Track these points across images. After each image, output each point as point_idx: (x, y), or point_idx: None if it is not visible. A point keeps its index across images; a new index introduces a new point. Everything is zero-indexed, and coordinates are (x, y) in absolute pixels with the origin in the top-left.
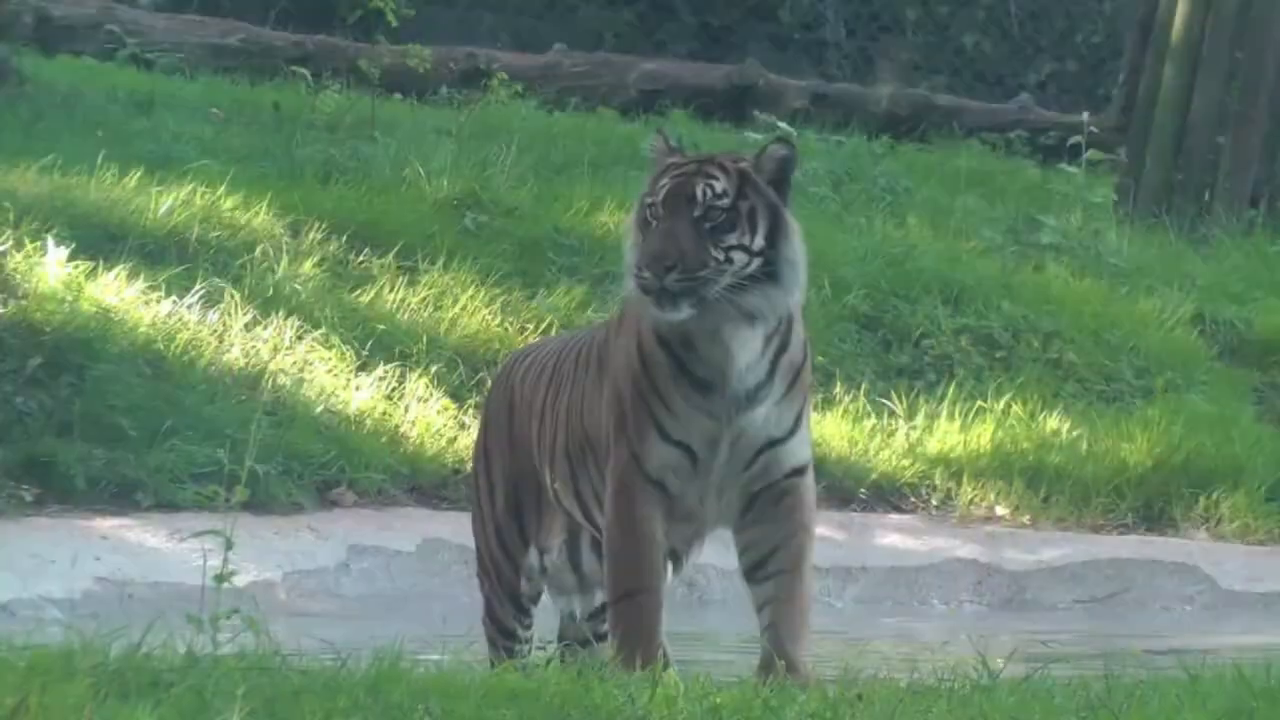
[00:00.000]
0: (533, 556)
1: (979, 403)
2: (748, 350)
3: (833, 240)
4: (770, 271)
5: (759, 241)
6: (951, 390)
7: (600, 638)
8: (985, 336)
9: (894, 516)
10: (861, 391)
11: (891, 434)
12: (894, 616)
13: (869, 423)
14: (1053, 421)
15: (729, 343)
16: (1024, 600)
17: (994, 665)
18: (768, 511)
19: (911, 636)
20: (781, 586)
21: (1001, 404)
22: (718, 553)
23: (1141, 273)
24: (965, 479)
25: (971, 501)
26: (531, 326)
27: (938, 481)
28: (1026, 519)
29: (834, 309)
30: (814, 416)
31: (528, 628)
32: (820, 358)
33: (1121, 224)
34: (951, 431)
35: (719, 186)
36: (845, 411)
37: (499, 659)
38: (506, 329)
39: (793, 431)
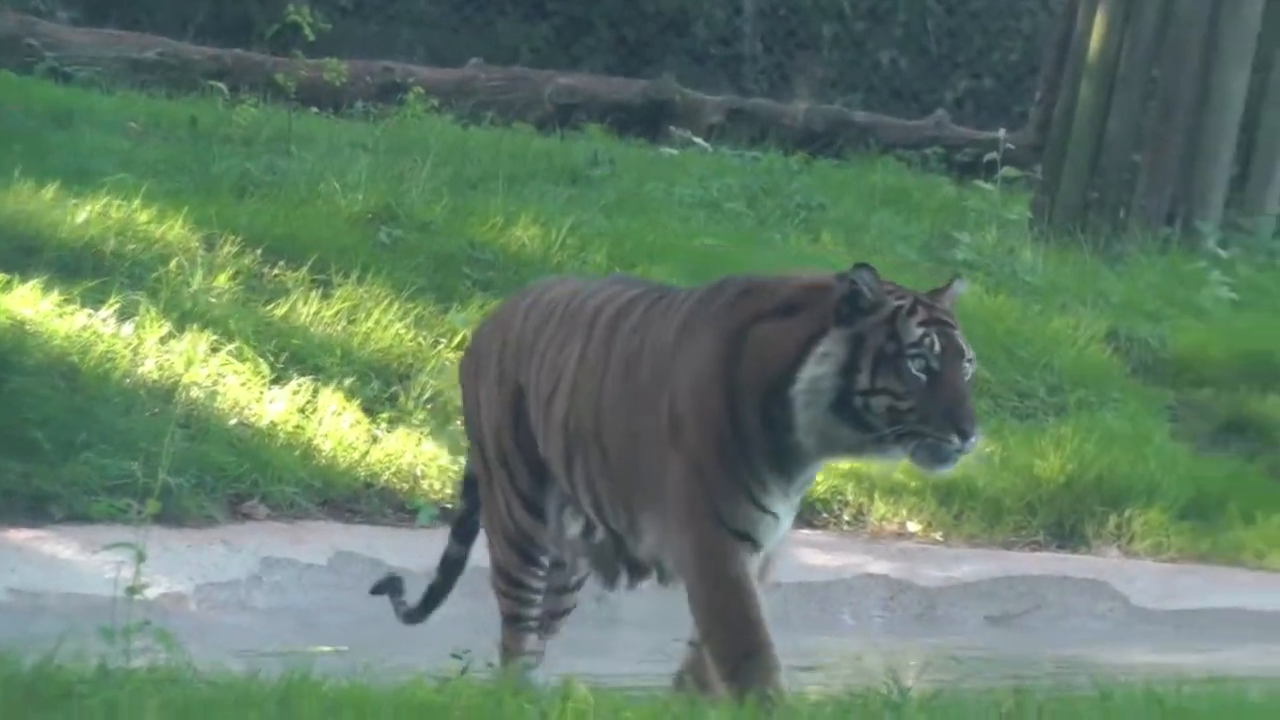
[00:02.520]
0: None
1: None
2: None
3: (747, 256)
4: None
5: None
6: None
7: (556, 615)
8: None
9: (805, 532)
10: None
11: None
12: (805, 632)
13: None
14: None
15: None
16: (935, 617)
17: (904, 681)
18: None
19: (823, 653)
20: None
21: None
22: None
23: (1056, 290)
24: (877, 495)
25: (883, 518)
26: (445, 340)
27: (850, 497)
28: (939, 535)
29: None
30: None
31: (538, 577)
32: None
33: (1036, 241)
34: None
35: (966, 342)
36: None
37: (506, 608)
38: (420, 343)
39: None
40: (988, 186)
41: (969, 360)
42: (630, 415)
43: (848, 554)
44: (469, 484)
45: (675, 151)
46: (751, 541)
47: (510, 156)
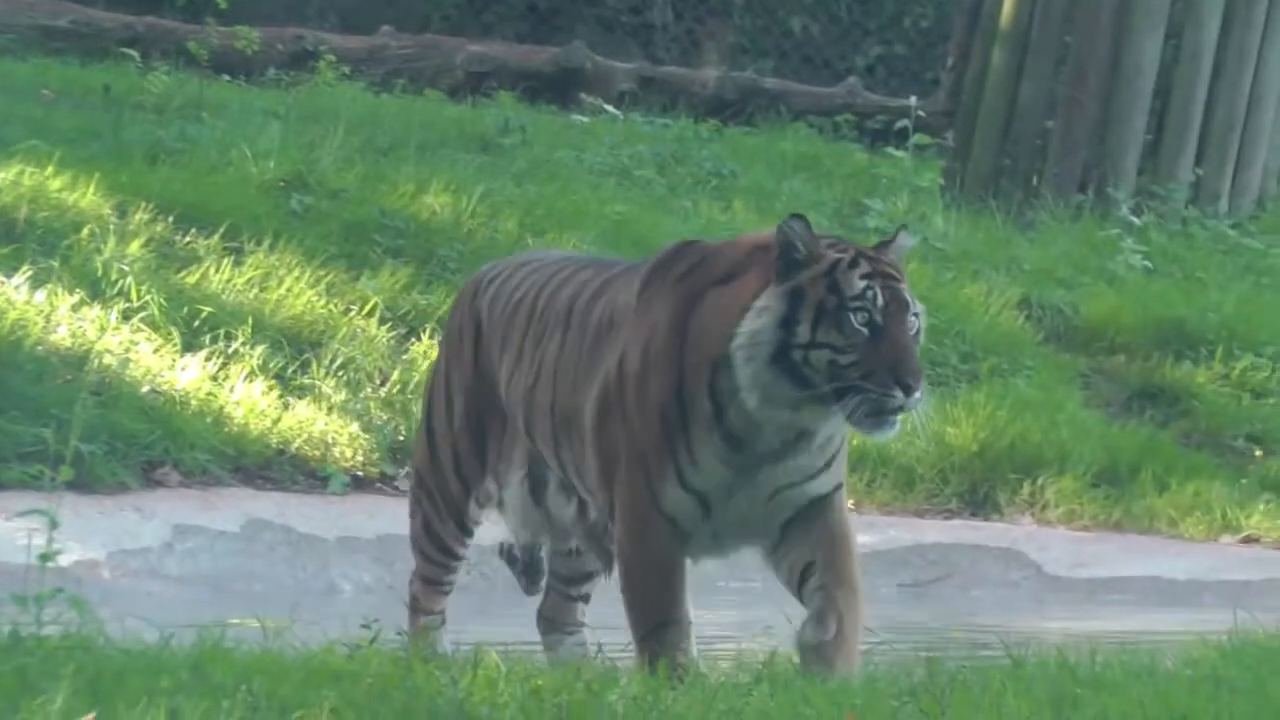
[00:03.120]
0: (489, 484)
1: None
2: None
3: (658, 223)
4: None
5: None
6: None
7: (579, 599)
8: None
9: None
10: None
11: None
12: (720, 600)
13: None
14: None
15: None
16: None
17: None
18: (800, 534)
19: (736, 621)
20: (828, 598)
21: None
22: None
23: (968, 257)
24: None
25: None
26: (356, 308)
27: None
28: (850, 503)
29: None
30: None
31: (466, 547)
32: None
33: (948, 208)
34: None
35: (911, 296)
36: None
37: (432, 571)
38: (331, 310)
39: (816, 474)
40: (899, 153)
41: (915, 314)
42: (596, 385)
43: None
44: None
45: (586, 119)
46: (676, 525)
47: (421, 124)
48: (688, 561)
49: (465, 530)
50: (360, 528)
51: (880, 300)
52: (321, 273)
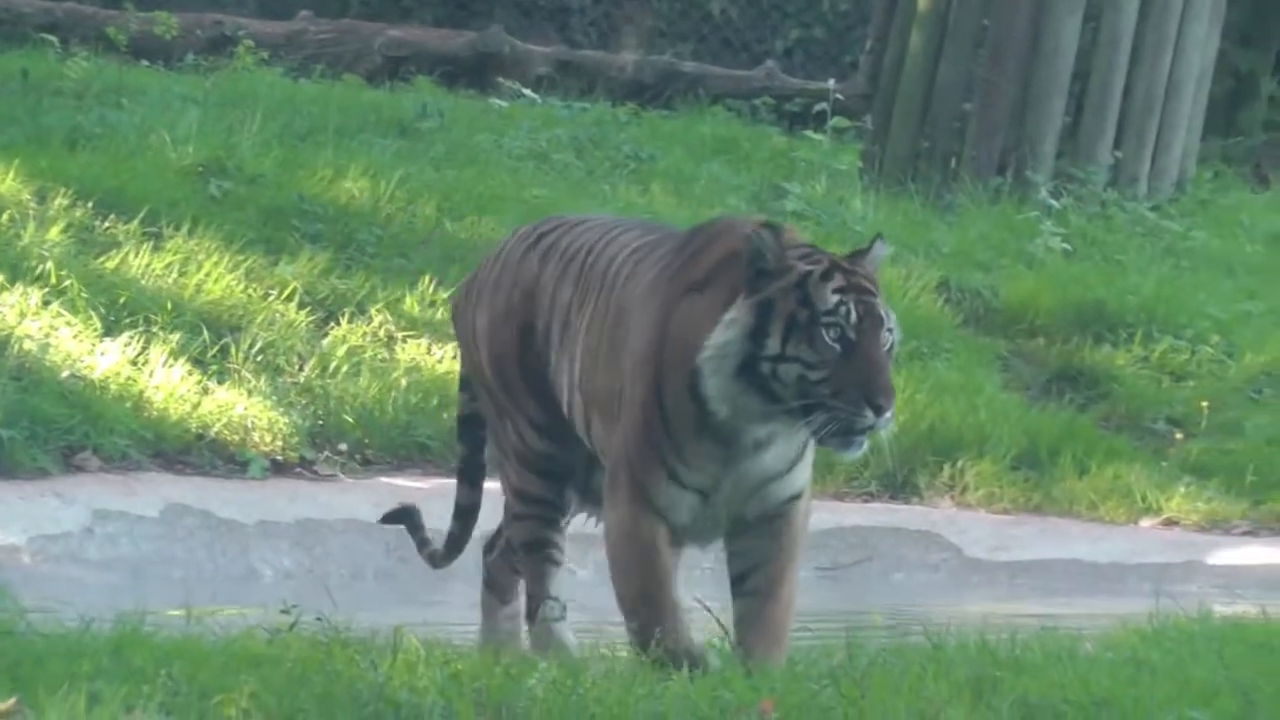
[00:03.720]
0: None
1: None
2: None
3: (576, 207)
4: None
5: None
6: None
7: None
8: None
9: None
10: None
11: None
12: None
13: None
14: None
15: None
16: None
17: (735, 634)
18: (758, 531)
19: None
20: (755, 608)
21: None
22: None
23: (887, 240)
24: None
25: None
26: (275, 292)
27: None
28: None
29: None
30: None
31: (562, 495)
32: None
33: (867, 191)
34: None
35: (886, 310)
36: None
37: (526, 532)
38: (250, 295)
39: (792, 466)
40: (818, 137)
41: (889, 330)
42: (606, 373)
43: None
44: (466, 425)
45: (504, 103)
46: (667, 521)
47: (340, 109)
48: (669, 554)
49: (552, 478)
50: (280, 512)
51: (854, 315)
52: (240, 258)
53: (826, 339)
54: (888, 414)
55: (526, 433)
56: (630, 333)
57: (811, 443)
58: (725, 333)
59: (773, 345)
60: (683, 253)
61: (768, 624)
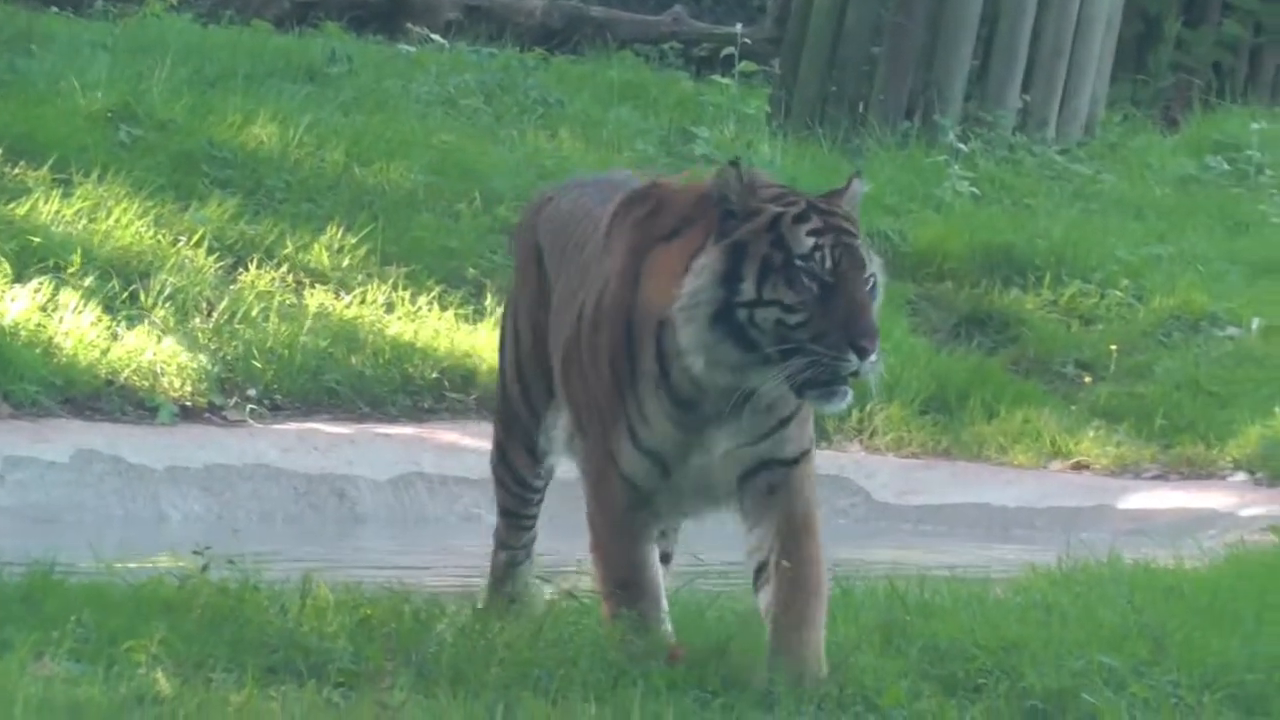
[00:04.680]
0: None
1: None
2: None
3: (484, 153)
4: None
5: None
6: None
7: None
8: None
9: None
10: None
11: None
12: (545, 529)
13: None
14: None
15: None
16: None
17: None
18: (762, 505)
19: (565, 550)
20: (780, 599)
21: None
22: (370, 464)
23: (794, 183)
24: None
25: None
26: (185, 238)
27: None
28: None
29: (485, 221)
30: (465, 328)
31: (540, 478)
32: (471, 270)
33: (775, 136)
34: None
35: (864, 247)
36: (497, 323)
37: (509, 502)
38: (160, 241)
39: (772, 432)
40: (725, 81)
41: (871, 271)
42: (565, 329)
43: None
44: None
45: (413, 49)
46: (634, 485)
47: (249, 55)
48: (653, 523)
49: (537, 459)
50: (189, 458)
51: (831, 256)
52: (150, 204)
53: (804, 280)
54: (872, 357)
55: (519, 403)
56: (587, 291)
57: (804, 415)
58: (697, 279)
59: (748, 290)
60: (648, 201)
61: (792, 617)
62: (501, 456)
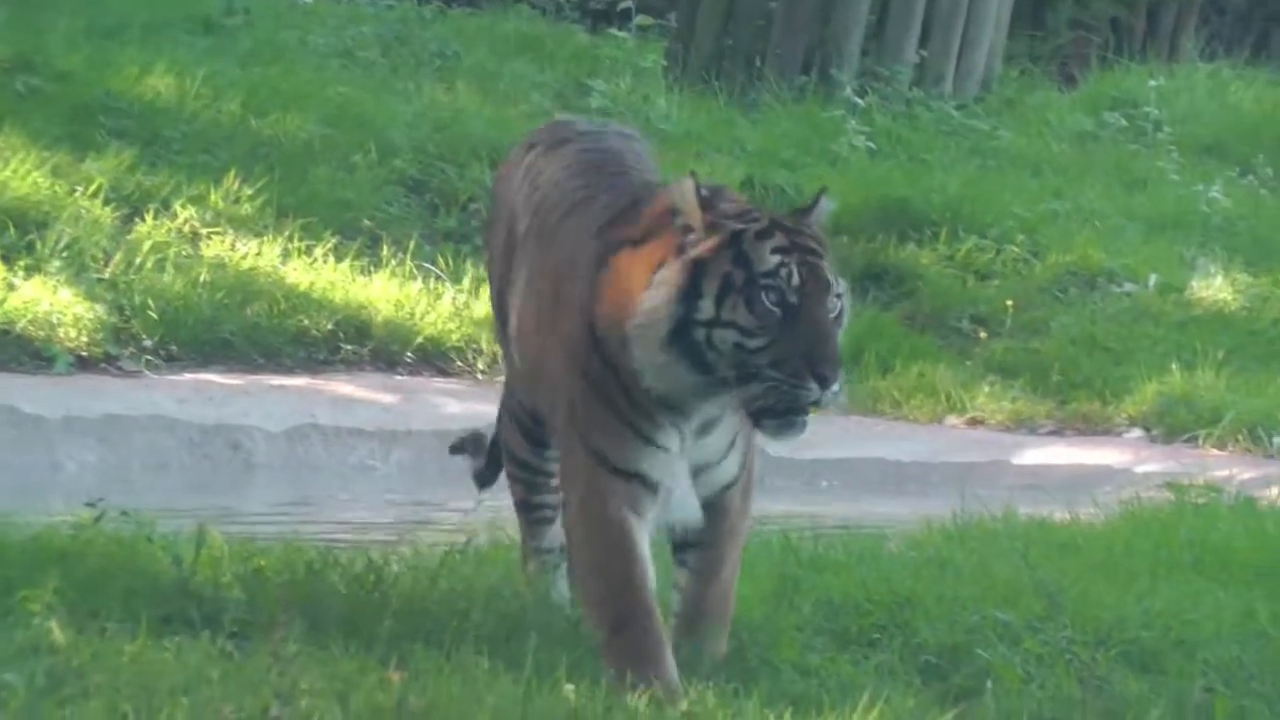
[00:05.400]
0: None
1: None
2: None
3: (381, 104)
4: None
5: None
6: None
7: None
8: None
9: (440, 380)
10: (408, 255)
11: (438, 297)
12: (439, 480)
13: (415, 286)
14: None
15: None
16: None
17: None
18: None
19: (456, 500)
20: (697, 588)
21: None
22: (264, 416)
23: (691, 138)
24: None
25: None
26: (82, 189)
27: (484, 345)
28: None
29: (381, 173)
30: (360, 280)
31: (543, 459)
32: (367, 221)
33: (671, 90)
34: None
35: (830, 269)
36: (392, 274)
37: (521, 496)
38: (57, 192)
39: (727, 453)
40: (622, 34)
41: (837, 294)
42: (537, 334)
43: (482, 402)
44: None
45: (310, 1)
46: (640, 479)
47: (146, 5)
48: (646, 537)
49: (534, 441)
50: (85, 408)
51: (795, 277)
52: (47, 154)
53: (766, 302)
54: (834, 387)
55: (511, 380)
56: (563, 294)
57: (745, 433)
58: (655, 295)
59: (706, 308)
60: (621, 202)
61: (709, 604)
62: (507, 441)
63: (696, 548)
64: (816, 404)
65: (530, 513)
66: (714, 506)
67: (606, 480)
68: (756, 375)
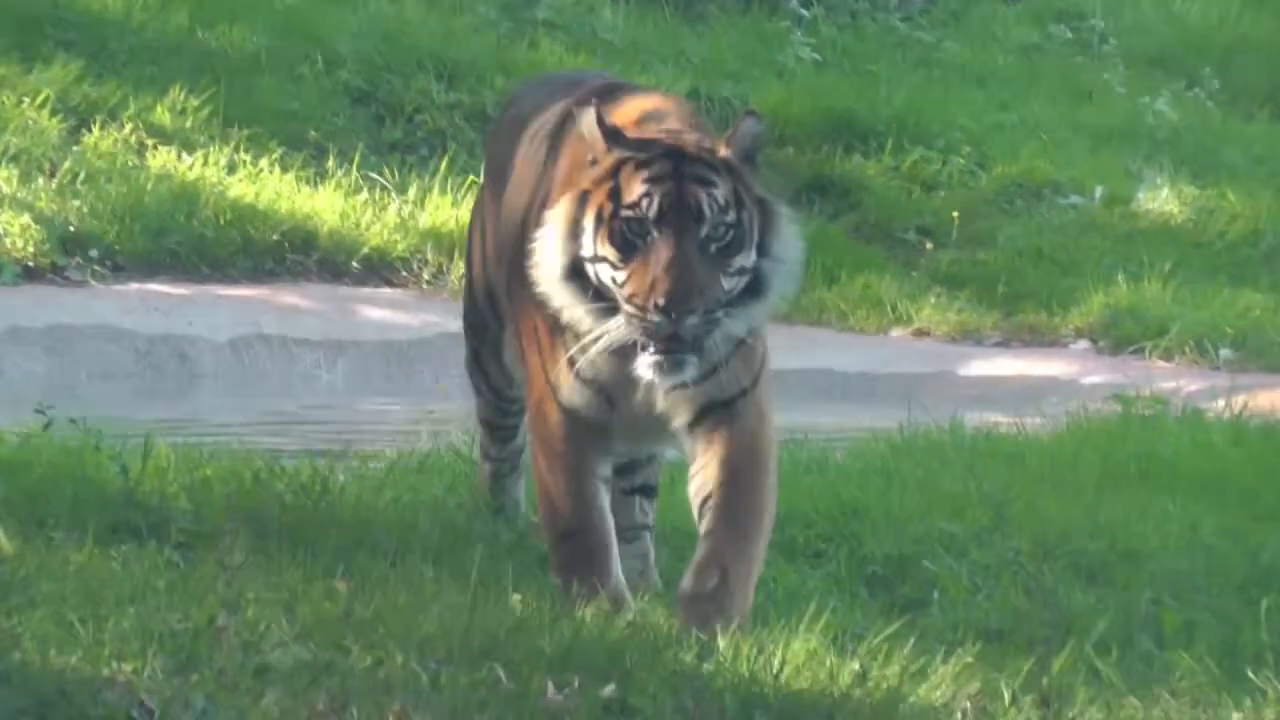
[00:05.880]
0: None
1: (471, 178)
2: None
3: (326, 15)
4: (754, 281)
5: (753, 255)
6: (444, 165)
7: (636, 492)
8: (478, 112)
9: (386, 291)
10: (354, 166)
11: (384, 208)
12: (384, 390)
13: (361, 197)
14: None
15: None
16: None
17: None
18: (705, 440)
19: (402, 410)
20: (713, 548)
21: None
22: (210, 325)
23: (637, 49)
24: (457, 254)
25: (462, 277)
26: (29, 100)
27: (429, 256)
28: None
29: (327, 84)
30: (306, 191)
31: (513, 387)
32: (313, 132)
33: (617, 1)
34: (444, 206)
35: (720, 195)
36: (338, 186)
37: (485, 411)
38: (4, 102)
39: (710, 373)
40: None
41: (711, 224)
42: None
43: (428, 313)
44: None
45: None
46: (577, 419)
47: None
48: (599, 459)
49: (505, 368)
50: (31, 317)
51: (654, 208)
52: None
53: (627, 233)
54: (691, 319)
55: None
56: (529, 217)
57: (753, 351)
58: (547, 232)
59: (587, 243)
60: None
61: (726, 565)
62: (475, 363)
63: (708, 519)
64: (678, 339)
65: (495, 431)
66: (719, 431)
67: (557, 411)
68: (621, 309)
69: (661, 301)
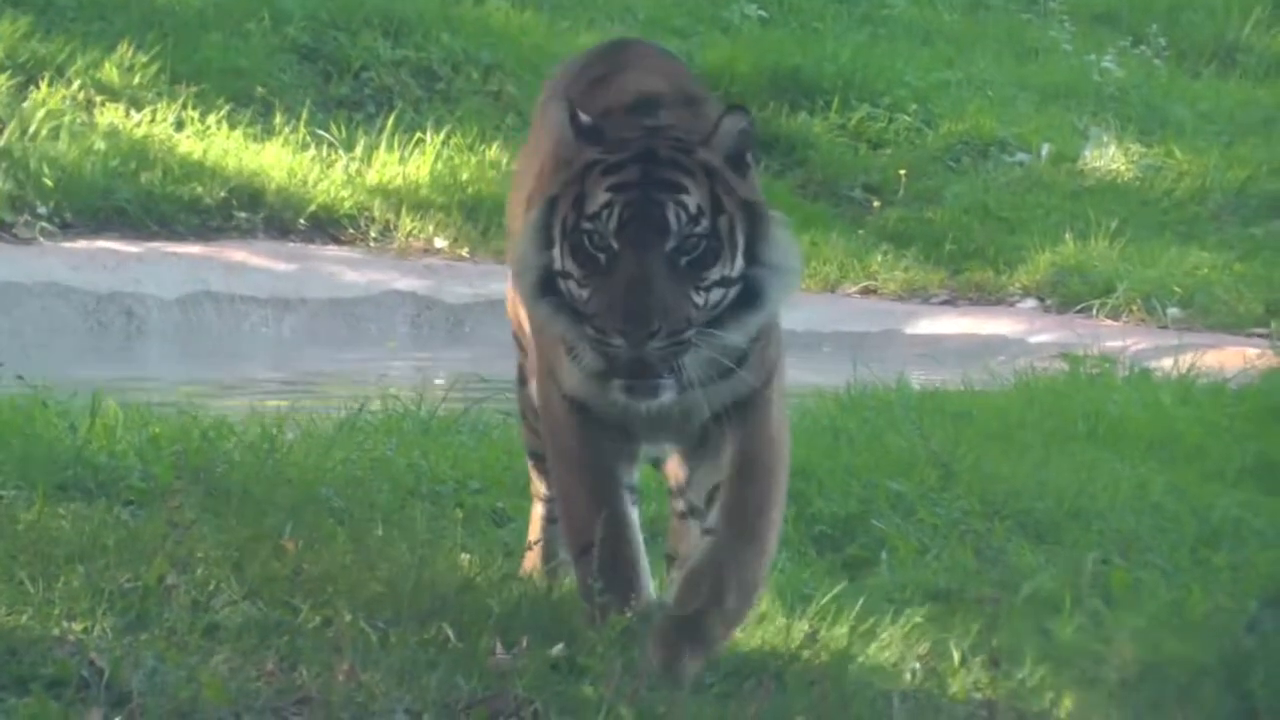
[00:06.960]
0: None
1: (418, 134)
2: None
3: None
4: (747, 290)
5: (739, 263)
6: (391, 122)
7: (688, 515)
8: (425, 69)
9: (333, 248)
10: (301, 122)
11: (331, 165)
12: (332, 348)
13: (309, 154)
14: (492, 153)
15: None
16: (463, 334)
17: (431, 398)
18: (713, 440)
19: (350, 368)
20: (714, 553)
21: (441, 136)
22: (158, 283)
23: (583, 6)
24: (404, 211)
25: (410, 233)
26: None
27: (377, 213)
28: (465, 252)
29: (274, 40)
30: (253, 148)
31: None
32: (260, 88)
33: None
34: (391, 163)
35: (692, 203)
36: (285, 142)
37: (532, 440)
38: None
39: (721, 375)
40: None
41: (679, 236)
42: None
43: (375, 270)
44: None
45: None
46: (586, 411)
47: None
48: (620, 464)
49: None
50: None
51: (614, 220)
52: None
53: (588, 247)
54: (653, 343)
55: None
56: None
57: (764, 350)
58: (523, 240)
59: (557, 255)
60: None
61: (723, 575)
62: (520, 381)
63: (713, 504)
64: (643, 364)
65: (543, 465)
66: (729, 433)
67: (560, 402)
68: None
69: (620, 325)
